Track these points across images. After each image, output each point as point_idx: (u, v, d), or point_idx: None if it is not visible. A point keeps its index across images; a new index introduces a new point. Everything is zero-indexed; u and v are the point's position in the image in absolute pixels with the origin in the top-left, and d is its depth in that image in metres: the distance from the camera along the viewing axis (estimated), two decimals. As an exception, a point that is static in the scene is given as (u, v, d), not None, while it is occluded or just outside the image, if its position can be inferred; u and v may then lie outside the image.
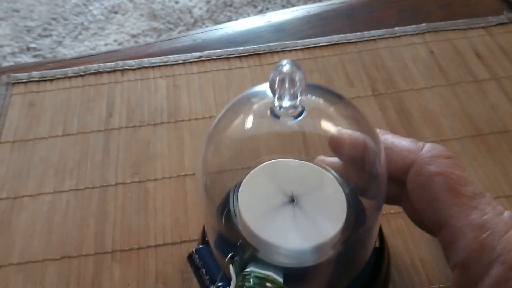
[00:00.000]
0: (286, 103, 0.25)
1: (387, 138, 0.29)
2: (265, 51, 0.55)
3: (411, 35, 0.57)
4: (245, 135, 0.29)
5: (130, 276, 0.39)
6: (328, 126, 0.29)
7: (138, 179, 0.45)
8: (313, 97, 0.28)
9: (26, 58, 1.52)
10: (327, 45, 0.56)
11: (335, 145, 0.28)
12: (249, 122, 0.28)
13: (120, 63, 0.55)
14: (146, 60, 0.55)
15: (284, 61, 0.24)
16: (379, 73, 0.53)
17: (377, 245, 0.32)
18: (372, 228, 0.29)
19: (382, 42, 0.56)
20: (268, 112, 0.26)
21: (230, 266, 0.25)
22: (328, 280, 0.29)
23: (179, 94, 0.52)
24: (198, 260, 0.29)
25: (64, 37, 1.60)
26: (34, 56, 1.53)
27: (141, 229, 0.42)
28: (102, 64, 0.55)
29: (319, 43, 0.56)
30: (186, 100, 0.52)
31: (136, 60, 0.55)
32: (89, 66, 0.55)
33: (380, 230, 0.34)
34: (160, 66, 0.54)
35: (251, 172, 0.28)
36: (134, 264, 0.40)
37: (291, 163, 0.29)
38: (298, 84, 0.24)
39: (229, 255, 0.25)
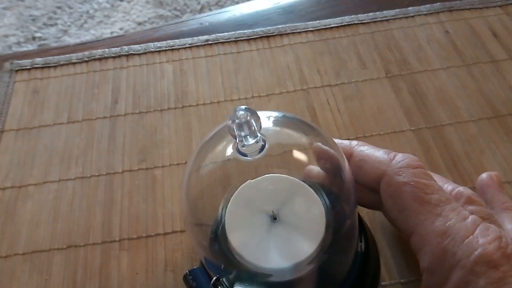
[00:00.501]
0: (247, 142, 0.28)
1: (363, 150, 0.30)
2: (275, 34, 0.54)
3: (426, 15, 0.55)
4: (220, 167, 0.32)
5: (138, 264, 0.38)
6: (290, 150, 0.31)
7: (145, 166, 0.44)
8: (275, 128, 0.31)
9: (31, 48, 1.51)
10: (339, 26, 0.54)
11: (318, 156, 0.31)
12: (221, 157, 0.31)
13: (125, 48, 0.53)
14: (152, 44, 0.53)
15: (238, 107, 0.27)
16: (393, 55, 0.51)
17: (363, 250, 0.34)
18: (351, 231, 0.31)
19: (395, 23, 0.54)
20: (235, 150, 0.29)
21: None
22: (315, 286, 0.30)
23: (186, 78, 0.51)
24: (191, 281, 0.30)
25: (69, 25, 1.59)
26: (40, 46, 1.52)
27: (149, 217, 0.41)
28: (107, 50, 0.53)
29: (330, 25, 0.54)
30: (193, 85, 0.50)
31: (141, 45, 0.53)
32: (94, 51, 0.53)
33: (366, 234, 0.35)
34: (166, 50, 0.53)
35: (234, 194, 0.30)
36: (143, 252, 0.39)
37: (267, 179, 0.31)
38: (254, 126, 0.27)
39: (214, 278, 0.28)
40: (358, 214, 0.35)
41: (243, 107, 0.27)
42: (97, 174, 0.44)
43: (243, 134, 0.27)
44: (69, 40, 1.54)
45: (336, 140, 0.32)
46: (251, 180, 0.31)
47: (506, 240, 0.25)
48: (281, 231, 0.28)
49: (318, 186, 0.30)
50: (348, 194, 0.31)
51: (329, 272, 0.30)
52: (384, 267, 0.37)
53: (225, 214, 0.29)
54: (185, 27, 0.55)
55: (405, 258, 0.37)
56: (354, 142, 0.32)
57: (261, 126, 0.28)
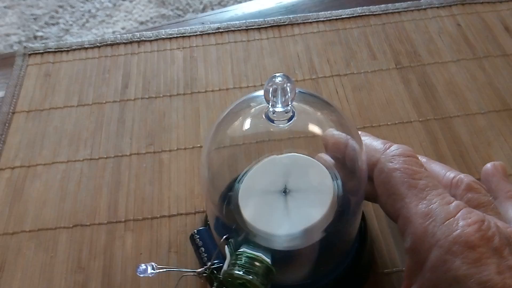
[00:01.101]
0: (278, 109, 0.28)
1: (363, 139, 0.32)
2: (286, 23, 0.54)
3: (438, 7, 0.54)
4: (244, 134, 0.32)
5: (142, 245, 0.38)
6: (314, 128, 0.33)
7: (153, 150, 0.44)
8: (303, 104, 0.31)
9: (40, 46, 1.50)
10: (350, 17, 0.54)
11: (324, 144, 0.32)
12: (248, 124, 0.32)
13: (137, 34, 0.54)
14: (163, 31, 0.54)
15: (277, 74, 0.28)
16: (403, 46, 0.51)
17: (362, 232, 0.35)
18: (355, 217, 0.32)
19: (407, 15, 0.54)
20: (264, 116, 0.29)
21: (226, 246, 0.28)
22: (313, 262, 0.31)
23: (195, 65, 0.51)
24: (198, 240, 0.31)
25: (71, 25, 1.59)
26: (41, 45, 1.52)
27: (154, 199, 0.41)
28: (119, 36, 0.54)
29: (342, 15, 0.54)
30: (202, 71, 0.50)
31: (153, 32, 0.54)
32: (106, 37, 0.54)
33: (363, 219, 0.36)
34: (177, 37, 0.53)
35: (252, 166, 0.32)
36: (147, 233, 0.39)
37: (286, 157, 0.32)
38: (288, 94, 0.28)
39: (224, 236, 0.29)
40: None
41: (281, 74, 0.28)
42: (105, 156, 0.44)
43: (277, 99, 0.28)
44: (71, 39, 1.53)
45: (333, 131, 0.33)
46: (270, 157, 0.32)
47: (488, 224, 0.26)
48: (290, 203, 0.29)
49: (332, 166, 0.32)
50: (359, 179, 0.31)
51: (331, 248, 0.31)
52: (387, 256, 0.37)
53: (240, 182, 0.31)
54: (187, 26, 0.55)
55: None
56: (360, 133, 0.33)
57: (295, 95, 0.28)
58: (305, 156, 0.32)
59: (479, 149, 0.43)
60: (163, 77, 0.50)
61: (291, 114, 0.29)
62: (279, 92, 0.27)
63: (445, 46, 0.51)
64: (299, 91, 0.31)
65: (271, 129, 0.29)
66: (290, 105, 0.28)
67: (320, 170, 0.31)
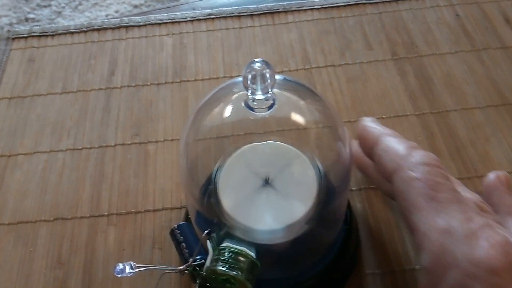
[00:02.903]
0: (258, 97, 0.27)
1: (389, 140, 0.29)
2: (279, 10, 0.52)
3: (436, -4, 0.53)
4: (223, 123, 0.31)
5: (125, 240, 0.37)
6: (296, 117, 0.31)
7: (139, 141, 0.43)
8: (284, 91, 0.30)
9: (24, 29, 1.47)
10: (346, 5, 0.52)
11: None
12: (227, 112, 0.30)
13: (125, 19, 0.52)
14: (152, 16, 0.52)
15: (256, 60, 0.26)
16: (400, 36, 0.49)
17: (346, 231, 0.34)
18: (339, 210, 0.31)
19: (404, 4, 0.52)
20: (243, 104, 0.28)
21: (208, 241, 0.27)
22: (297, 255, 0.30)
23: (185, 53, 0.49)
24: (179, 235, 0.30)
25: (63, 7, 1.55)
26: (32, 27, 1.49)
27: (139, 192, 0.40)
28: (106, 20, 0.52)
29: (337, 3, 0.52)
30: (192, 59, 0.49)
31: (142, 17, 0.52)
32: (93, 21, 0.52)
33: (350, 210, 0.35)
34: (166, 23, 0.51)
35: (231, 156, 0.30)
36: (131, 228, 0.38)
37: (267, 145, 0.31)
38: (268, 80, 0.26)
39: (206, 231, 0.27)
40: (348, 201, 0.36)
41: (260, 59, 0.26)
42: (88, 146, 0.43)
43: (256, 86, 0.26)
44: (63, 22, 1.50)
45: (372, 124, 0.31)
46: (249, 145, 0.31)
47: None
48: (272, 195, 0.28)
49: (314, 156, 0.30)
50: (343, 171, 0.31)
51: (315, 241, 0.30)
52: (382, 255, 0.35)
53: (220, 173, 0.30)
54: (177, 11, 0.53)
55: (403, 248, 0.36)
56: (387, 131, 0.30)
57: (275, 82, 0.27)
58: (288, 145, 0.31)
59: (476, 144, 0.41)
60: (151, 65, 0.48)
61: (272, 102, 0.28)
62: (258, 78, 0.26)
63: (443, 37, 0.49)
64: (284, 78, 0.29)
65: (251, 118, 0.28)
66: (270, 92, 0.27)
67: (303, 161, 0.30)
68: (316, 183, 0.29)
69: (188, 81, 0.47)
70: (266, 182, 0.29)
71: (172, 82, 0.47)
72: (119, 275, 0.27)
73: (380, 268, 0.35)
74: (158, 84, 0.47)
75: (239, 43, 0.50)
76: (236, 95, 0.29)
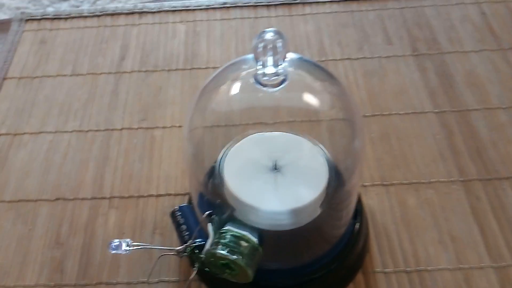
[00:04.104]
0: (268, 70, 0.25)
1: None
2: (297, 1, 0.50)
3: (461, -6, 0.51)
4: (230, 103, 0.29)
5: (126, 224, 0.36)
6: (308, 97, 0.29)
7: (146, 126, 0.42)
8: (299, 70, 0.28)
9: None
10: (366, -1, 0.51)
11: None
12: (235, 90, 0.29)
13: (139, 5, 0.51)
14: (166, 3, 0.51)
15: (268, 29, 0.25)
16: (422, 32, 0.48)
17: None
18: (347, 202, 0.30)
19: (428, 0, 0.50)
20: (252, 79, 0.26)
21: (209, 224, 0.26)
22: (302, 246, 0.29)
23: (198, 40, 0.48)
24: (179, 217, 0.29)
25: (82, 1, 1.56)
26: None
27: (143, 177, 0.38)
28: (119, 5, 0.51)
29: (357, -3, 0.51)
30: (205, 47, 0.47)
31: (156, 3, 0.51)
32: (107, 6, 0.51)
33: (361, 206, 0.33)
34: (181, 10, 0.51)
35: (238, 142, 0.29)
36: (132, 212, 0.36)
37: (276, 134, 0.30)
38: (280, 52, 0.24)
39: (207, 212, 0.26)
40: (360, 197, 0.34)
41: (272, 28, 0.25)
42: (95, 129, 0.41)
43: (267, 58, 0.24)
44: None
45: None
46: (258, 132, 0.29)
47: None
48: (280, 180, 0.27)
49: (325, 144, 0.29)
50: (354, 162, 0.29)
51: (323, 232, 0.29)
52: (389, 255, 0.33)
53: (226, 155, 0.28)
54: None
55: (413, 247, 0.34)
56: None
57: (287, 54, 0.25)
58: (298, 134, 0.29)
59: (498, 146, 0.39)
60: (163, 51, 0.47)
61: (283, 77, 0.26)
62: (270, 49, 0.24)
63: (467, 35, 0.47)
64: (300, 57, 0.28)
65: (261, 94, 0.26)
66: (282, 65, 0.25)
67: (313, 149, 0.29)
68: (326, 172, 0.27)
69: (199, 68, 0.46)
70: (274, 168, 0.28)
71: (183, 69, 0.46)
72: (113, 251, 0.25)
73: (388, 267, 0.33)
74: (168, 70, 0.46)
75: (253, 33, 0.48)
76: (245, 72, 0.27)
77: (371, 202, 0.36)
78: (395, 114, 0.42)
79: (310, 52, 0.46)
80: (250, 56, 0.26)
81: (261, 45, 0.24)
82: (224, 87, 0.29)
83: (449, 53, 0.46)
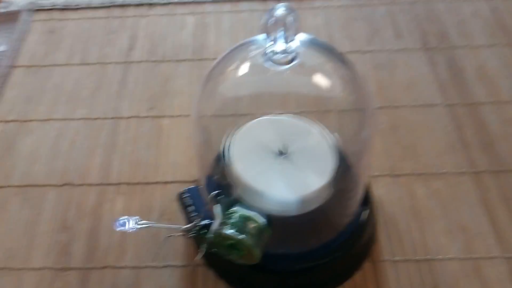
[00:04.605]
0: (279, 47, 0.25)
1: None
2: (306, -5, 0.50)
3: (472, -11, 0.50)
4: (239, 83, 0.29)
5: (133, 210, 0.35)
6: (318, 78, 0.29)
7: (153, 114, 0.41)
8: (310, 51, 0.27)
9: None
10: (376, -7, 0.50)
11: None
12: (244, 70, 0.28)
13: (149, -3, 0.51)
14: (176, -5, 0.51)
15: (279, 4, 0.24)
16: (433, 27, 0.47)
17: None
18: (357, 186, 0.30)
19: (439, -6, 0.50)
20: (262, 57, 0.25)
21: (216, 205, 0.25)
22: (310, 231, 0.29)
23: (206, 32, 0.48)
24: (187, 199, 0.29)
25: None
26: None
27: (150, 165, 0.38)
28: (130, -3, 0.51)
29: (367, -9, 0.50)
30: (213, 39, 0.47)
31: (166, -5, 0.51)
32: (117, -3, 0.51)
33: (368, 192, 0.33)
34: (190, 3, 0.50)
35: (246, 125, 0.29)
36: (139, 198, 0.36)
37: (284, 118, 0.30)
38: (291, 28, 0.24)
39: (215, 192, 0.26)
40: (369, 186, 0.33)
41: (283, 3, 0.24)
42: (102, 117, 0.41)
43: (277, 35, 0.24)
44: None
45: None
46: (265, 116, 0.29)
47: None
48: (287, 165, 0.27)
49: (333, 130, 0.29)
50: (362, 150, 0.29)
51: (330, 218, 0.29)
52: (398, 244, 0.33)
53: (234, 138, 0.28)
54: None
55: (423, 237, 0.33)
56: None
57: (298, 30, 0.24)
58: (306, 119, 0.29)
59: (508, 139, 0.39)
60: (171, 42, 0.47)
61: (294, 55, 0.25)
62: (280, 26, 0.23)
63: (479, 29, 0.47)
64: (312, 38, 0.27)
65: (270, 74, 0.26)
66: (292, 43, 0.25)
67: (321, 135, 0.29)
68: (334, 159, 0.27)
69: (207, 59, 0.46)
70: (282, 153, 0.27)
71: (191, 60, 0.46)
72: (119, 229, 0.25)
73: (397, 255, 0.32)
74: (177, 61, 0.46)
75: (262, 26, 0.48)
76: (254, 52, 0.27)
77: (380, 192, 0.36)
78: (405, 106, 0.41)
79: (319, 44, 0.46)
80: (259, 36, 0.26)
81: (271, 20, 0.24)
82: (233, 67, 0.28)
83: (460, 47, 0.46)
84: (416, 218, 0.34)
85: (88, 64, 0.46)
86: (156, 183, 0.37)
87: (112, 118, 0.41)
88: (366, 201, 0.32)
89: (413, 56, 0.45)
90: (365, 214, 0.32)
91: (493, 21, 0.48)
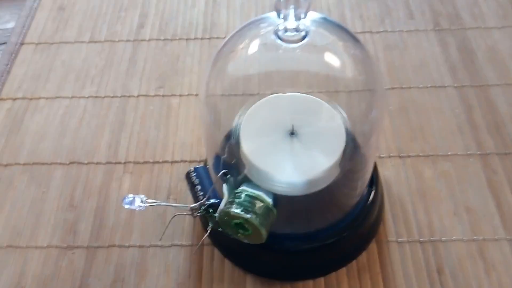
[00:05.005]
0: (290, 24, 0.24)
1: None
2: (317, -27, 0.50)
3: (486, -31, 0.49)
4: (249, 60, 0.29)
5: (140, 189, 0.36)
6: (328, 56, 0.28)
7: (163, 93, 0.41)
8: (322, 29, 0.27)
9: None
10: (388, -28, 0.49)
11: None
12: (254, 48, 0.28)
13: (158, -26, 0.50)
14: (186, -27, 0.50)
15: None
16: (445, 8, 0.47)
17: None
18: (365, 167, 0.29)
19: (451, -26, 0.49)
20: (273, 35, 0.25)
21: (224, 184, 0.26)
22: (317, 211, 0.29)
23: (218, 10, 0.48)
24: (194, 178, 0.29)
25: None
26: None
27: (158, 144, 0.38)
28: (139, -26, 0.51)
29: (379, -30, 0.50)
30: (224, 17, 0.47)
31: (175, -27, 0.51)
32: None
33: (376, 173, 0.33)
34: (200, -20, 0.50)
35: (256, 103, 0.28)
36: (147, 177, 0.36)
37: (294, 96, 0.29)
38: (302, 5, 0.24)
39: (223, 171, 0.26)
40: (376, 167, 0.33)
41: None
42: (111, 95, 0.41)
43: (289, 11, 0.24)
44: None
45: None
46: (276, 94, 0.29)
47: None
48: (298, 146, 0.27)
49: (342, 110, 0.28)
50: (371, 130, 0.29)
51: (337, 198, 0.29)
52: (404, 225, 0.33)
53: (243, 117, 0.28)
54: None
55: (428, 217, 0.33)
56: None
57: (310, 7, 0.24)
58: (317, 98, 0.29)
59: (517, 122, 0.39)
60: (182, 20, 0.47)
61: (304, 33, 0.25)
62: (292, 3, 0.23)
63: (491, 11, 0.46)
64: (324, 17, 0.27)
65: (281, 52, 0.25)
66: (303, 20, 0.24)
67: (331, 114, 0.28)
68: (343, 138, 0.27)
69: (218, 38, 0.45)
70: (292, 132, 0.27)
71: (202, 38, 0.45)
72: (126, 206, 0.25)
73: (402, 236, 0.32)
74: (187, 39, 0.45)
75: (274, 4, 0.48)
76: (264, 30, 0.27)
77: (387, 173, 0.36)
78: (414, 87, 0.41)
79: (329, 24, 0.46)
80: (270, 14, 0.26)
81: None
82: (243, 45, 0.28)
83: (471, 29, 0.45)
84: (422, 199, 0.34)
85: (97, 41, 0.45)
86: (164, 162, 0.37)
87: (121, 96, 0.41)
88: (374, 182, 0.32)
89: (425, 37, 0.45)
90: (372, 195, 0.32)
91: (505, 2, 0.47)
